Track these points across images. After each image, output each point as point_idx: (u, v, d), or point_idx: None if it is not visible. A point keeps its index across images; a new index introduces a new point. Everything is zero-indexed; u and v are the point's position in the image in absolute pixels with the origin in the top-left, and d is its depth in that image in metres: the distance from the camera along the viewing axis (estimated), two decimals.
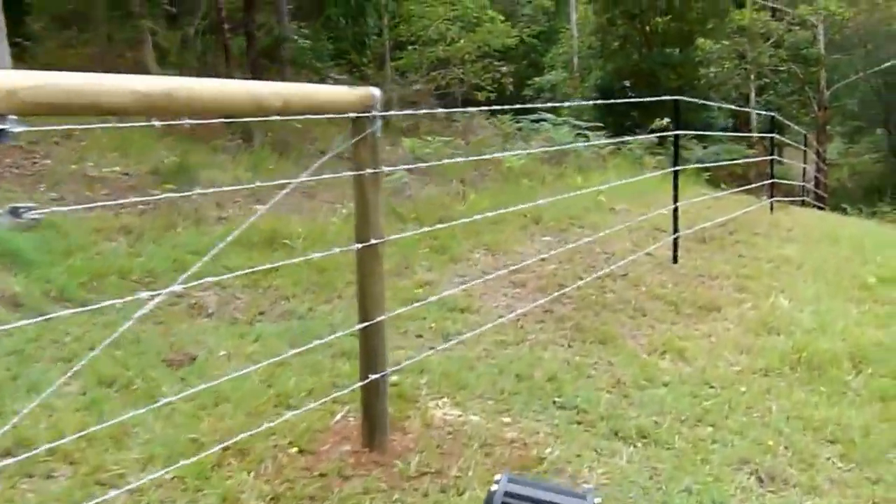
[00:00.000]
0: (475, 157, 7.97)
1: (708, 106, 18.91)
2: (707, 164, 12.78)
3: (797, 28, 17.97)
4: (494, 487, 1.02)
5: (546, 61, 29.49)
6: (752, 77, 19.96)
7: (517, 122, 15.04)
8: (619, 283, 6.07)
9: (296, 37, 15.27)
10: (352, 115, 2.89)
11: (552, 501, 1.02)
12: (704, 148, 16.04)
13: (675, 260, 6.82)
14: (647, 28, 20.14)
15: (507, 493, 1.01)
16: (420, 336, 4.59)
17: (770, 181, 10.50)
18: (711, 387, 4.30)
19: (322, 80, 15.96)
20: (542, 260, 6.25)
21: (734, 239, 8.07)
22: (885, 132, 27.92)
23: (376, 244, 3.00)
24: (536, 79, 28.11)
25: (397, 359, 4.04)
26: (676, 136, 6.93)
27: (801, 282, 6.48)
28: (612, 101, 15.63)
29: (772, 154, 10.58)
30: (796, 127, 16.50)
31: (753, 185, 12.09)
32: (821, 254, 7.70)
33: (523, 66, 30.27)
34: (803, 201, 13.54)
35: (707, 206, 9.77)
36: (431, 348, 4.30)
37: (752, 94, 19.83)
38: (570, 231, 7.68)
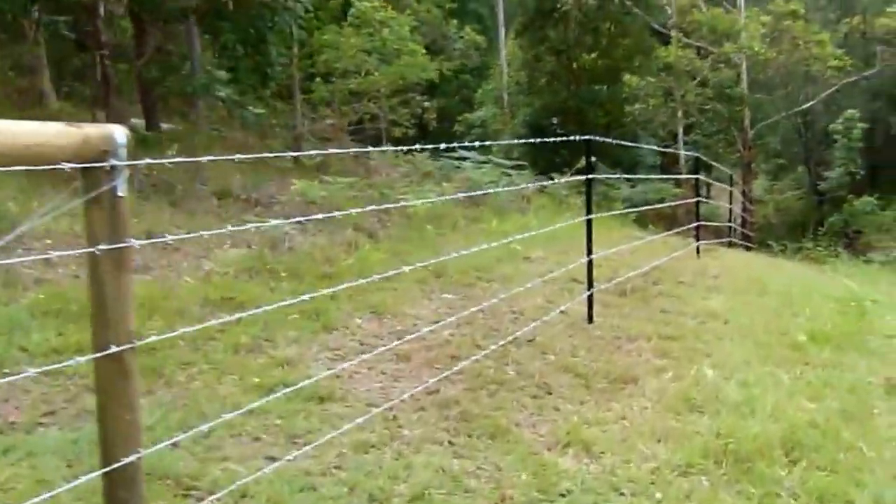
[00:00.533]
0: (376, 206, 7.10)
1: (639, 146, 18.60)
2: (631, 208, 12.25)
3: (722, 66, 17.85)
4: None
5: (477, 97, 29.12)
6: (680, 115, 19.78)
7: (437, 160, 14.29)
8: (523, 351, 5.23)
9: (208, 67, 14.24)
10: (75, 165, 1.96)
11: None
12: (632, 187, 15.57)
13: (590, 319, 6.02)
14: (575, 64, 19.82)
15: None
16: (258, 439, 3.61)
17: (696, 224, 9.91)
18: (621, 493, 3.45)
19: (231, 115, 14.93)
20: (437, 325, 5.36)
21: (657, 290, 7.36)
22: (806, 170, 28.34)
23: (120, 352, 2.05)
24: (467, 115, 27.65)
25: (215, 478, 3.07)
26: (589, 181, 6.17)
27: (728, 342, 5.76)
28: (523, 140, 15.00)
29: (697, 195, 10.03)
30: (721, 167, 16.22)
31: (681, 229, 11.54)
32: (748, 307, 7.04)
33: (455, 102, 29.84)
34: (730, 242, 13.09)
35: (632, 251, 9.10)
36: (271, 458, 3.34)
37: (681, 133, 19.64)
38: (475, 286, 6.84)
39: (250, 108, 14.45)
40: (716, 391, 4.64)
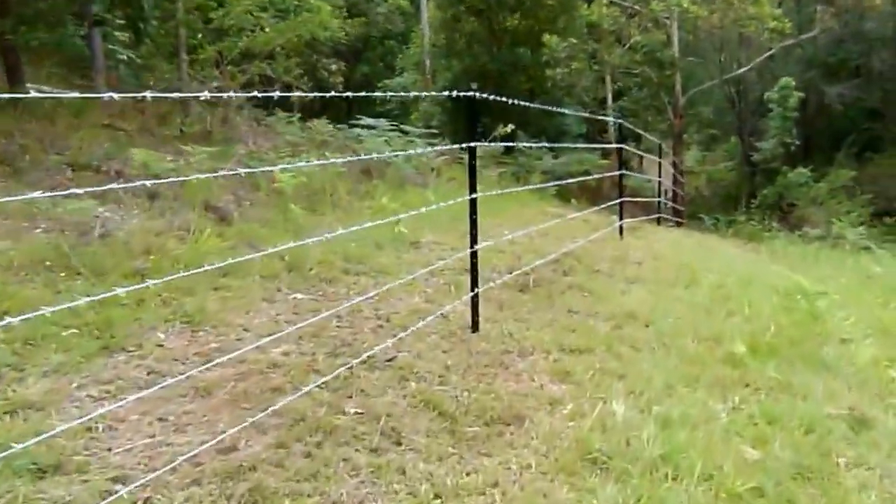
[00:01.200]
0: (213, 174, 5.63)
1: (562, 111, 17.42)
2: (554, 182, 11.06)
3: (650, 26, 16.76)
4: None
5: (398, 63, 27.58)
6: (608, 81, 18.69)
7: (342, 129, 12.82)
8: (377, 378, 3.93)
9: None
10: None
11: None
12: (555, 158, 14.40)
13: (474, 327, 4.75)
14: (495, 25, 18.46)
15: None
16: None
17: (620, 200, 8.77)
18: None
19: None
20: (269, 340, 3.99)
21: (567, 283, 6.16)
22: (739, 140, 27.82)
23: None
24: (387, 81, 26.07)
25: None
26: (472, 150, 4.89)
27: (648, 357, 4.58)
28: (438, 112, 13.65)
29: (620, 168, 8.89)
30: (651, 137, 15.19)
31: (605, 205, 10.42)
32: (675, 303, 5.91)
33: (381, 69, 28.21)
34: (659, 219, 12.07)
35: (544, 232, 7.90)
36: None
37: (609, 100, 18.53)
38: (339, 282, 5.49)
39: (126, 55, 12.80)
40: (627, 436, 3.44)
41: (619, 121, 8.94)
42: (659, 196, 12.49)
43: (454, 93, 5.18)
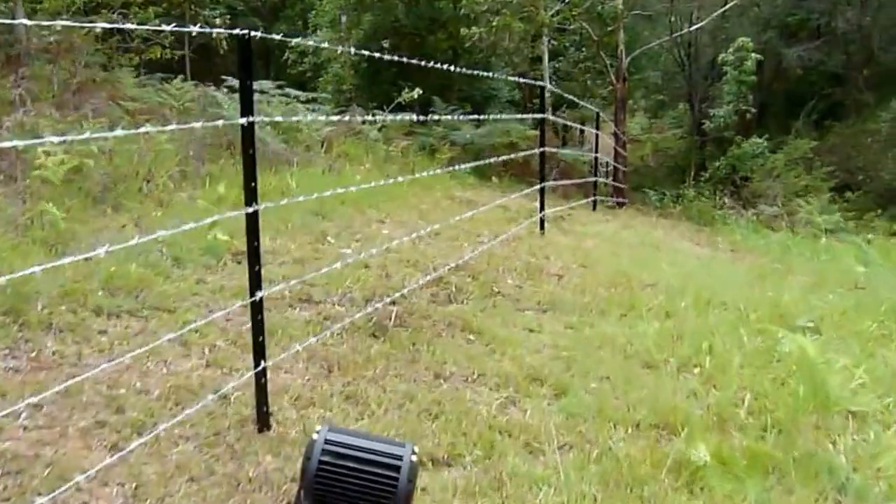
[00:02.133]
0: None
1: (480, 74, 15.61)
2: (472, 157, 9.27)
3: None
4: (315, 437, 0.99)
5: (311, 19, 25.31)
6: (545, 40, 16.86)
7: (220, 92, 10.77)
8: None
9: None
10: None
11: (372, 449, 1.00)
12: (477, 128, 12.59)
13: (262, 423, 2.93)
14: None
15: (327, 442, 0.97)
16: None
17: (541, 185, 7.04)
18: None
19: None
20: None
21: (450, 316, 4.38)
22: (689, 107, 26.49)
23: None
24: (298, 40, 23.80)
25: None
26: (246, 128, 3.06)
27: (553, 478, 2.83)
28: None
29: (542, 143, 7.14)
30: (587, 105, 13.49)
31: (530, 190, 8.68)
32: (603, 350, 4.19)
33: (300, 27, 25.93)
34: (595, 202, 10.42)
35: (444, 229, 6.13)
36: None
37: (546, 61, 16.71)
38: (77, 332, 3.58)
39: None
40: None
41: (542, 84, 7.19)
42: (595, 174, 10.83)
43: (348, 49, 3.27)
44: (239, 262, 4.52)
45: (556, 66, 15.08)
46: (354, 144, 9.47)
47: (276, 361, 3.25)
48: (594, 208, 10.34)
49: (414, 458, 1.06)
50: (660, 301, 5.27)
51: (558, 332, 4.47)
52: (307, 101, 10.62)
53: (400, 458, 1.05)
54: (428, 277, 4.77)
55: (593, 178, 10.62)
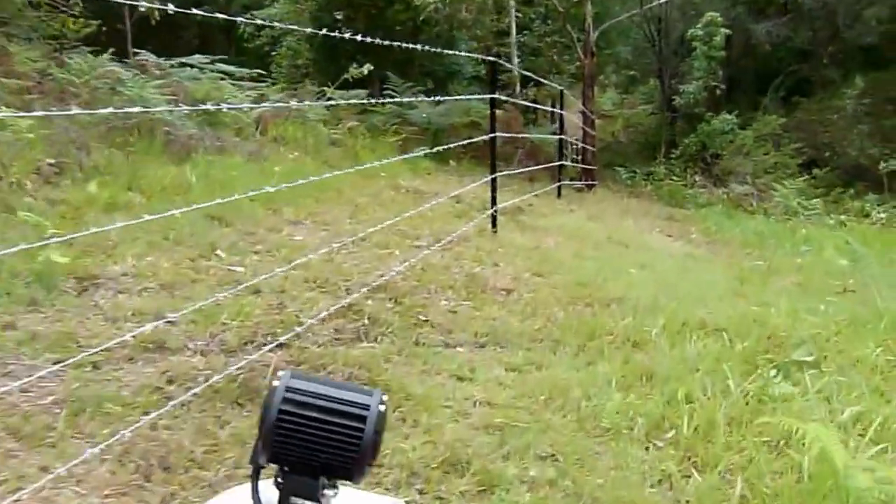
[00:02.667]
0: None
1: (454, 50, 14.30)
2: (429, 140, 8.07)
3: None
4: (276, 384, 0.77)
5: None
6: (509, 11, 15.51)
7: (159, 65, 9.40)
8: None
9: None
10: None
11: (337, 397, 0.78)
12: (436, 105, 11.33)
13: None
14: None
15: (288, 389, 0.78)
16: None
17: (492, 176, 5.88)
18: None
19: None
20: None
21: (352, 363, 3.23)
22: (659, 82, 25.33)
23: None
24: (254, 12, 22.24)
25: None
26: None
27: None
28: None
29: (492, 127, 5.96)
30: (550, 82, 12.26)
31: (502, 172, 7.51)
32: (552, 409, 3.09)
33: None
34: (560, 188, 9.28)
35: (378, 232, 4.95)
36: None
37: (513, 35, 15.35)
38: None
39: None
40: None
41: (494, 59, 5.99)
42: (560, 157, 9.66)
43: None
44: (80, 294, 3.33)
45: (522, 40, 13.81)
46: (293, 126, 8.21)
47: (61, 471, 2.10)
48: (559, 195, 9.21)
49: (382, 407, 0.81)
50: (626, 325, 4.16)
51: (496, 378, 3.34)
52: (242, 78, 9.33)
53: (367, 406, 0.81)
54: (337, 305, 3.61)
55: (559, 162, 9.44)
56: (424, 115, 10.57)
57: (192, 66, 9.55)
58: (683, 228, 8.53)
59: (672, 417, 3.17)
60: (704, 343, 4.04)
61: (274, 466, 0.79)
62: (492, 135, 5.91)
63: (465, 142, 6.54)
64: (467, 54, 9.48)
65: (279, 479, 0.80)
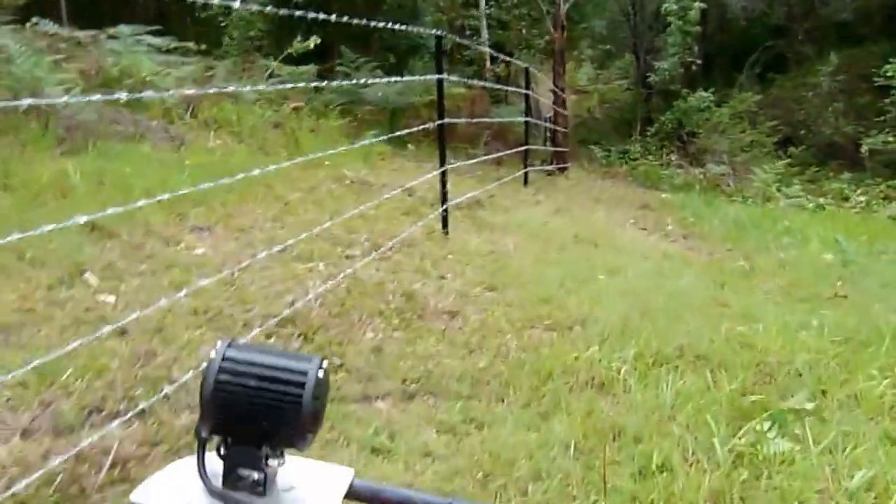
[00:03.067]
0: None
1: (417, 23, 13.38)
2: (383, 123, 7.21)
3: None
4: (213, 354, 0.76)
5: None
6: None
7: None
8: None
9: None
10: None
11: (274, 365, 0.78)
12: (396, 81, 10.42)
13: None
14: None
15: (225, 359, 0.76)
16: None
17: (442, 169, 5.07)
18: None
19: None
20: None
21: None
22: (634, 57, 24.52)
23: None
24: None
25: None
26: None
27: None
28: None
29: (440, 112, 5.12)
30: (516, 61, 11.37)
31: (429, 175, 6.69)
32: (499, 502, 2.30)
33: None
34: (526, 175, 8.48)
35: (320, 232, 4.14)
36: None
37: (482, 5, 14.36)
38: None
39: None
40: None
41: (439, 34, 5.15)
42: (527, 141, 8.83)
43: None
44: None
45: (488, 12, 12.90)
46: (229, 107, 7.30)
47: None
48: (526, 182, 8.40)
49: (321, 373, 0.79)
50: (591, 357, 3.40)
51: (422, 447, 2.57)
52: (171, 51, 8.36)
53: (305, 373, 0.79)
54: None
55: (524, 147, 8.62)
56: (380, 94, 9.66)
57: (116, 37, 8.58)
58: (659, 219, 7.77)
59: (644, 497, 2.45)
60: (683, 381, 3.30)
61: (218, 438, 0.77)
62: (440, 121, 5.08)
63: (416, 129, 5.70)
64: (417, 29, 8.55)
65: (222, 451, 0.78)
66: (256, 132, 7.10)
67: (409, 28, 5.24)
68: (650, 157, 17.83)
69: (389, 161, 8.09)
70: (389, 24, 4.92)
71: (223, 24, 14.64)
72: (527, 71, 8.71)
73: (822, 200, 11.22)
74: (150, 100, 6.83)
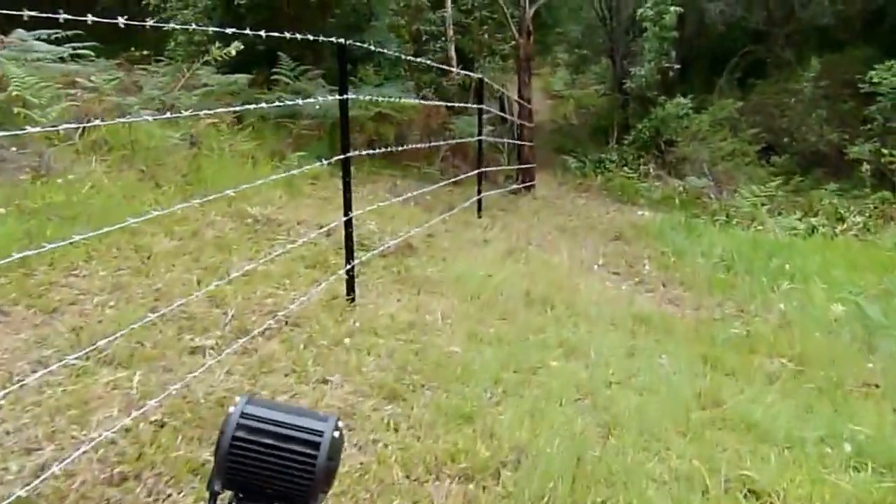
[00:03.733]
0: None
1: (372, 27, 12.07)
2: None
3: None
4: (231, 409, 0.84)
5: None
6: None
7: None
8: None
9: None
10: None
11: (291, 423, 0.84)
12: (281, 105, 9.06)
13: None
14: None
15: (244, 415, 0.84)
16: None
17: (345, 218, 3.75)
18: None
19: None
20: None
21: None
22: (610, 62, 23.37)
23: None
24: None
25: None
26: None
27: None
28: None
29: (344, 144, 3.80)
30: (472, 73, 10.03)
31: (398, 199, 5.41)
32: None
33: None
34: (480, 203, 7.17)
35: (171, 312, 2.80)
36: None
37: (449, 5, 12.98)
38: None
39: None
40: None
41: (340, 41, 3.82)
42: (479, 163, 7.46)
43: None
44: None
45: (446, 15, 11.52)
46: (125, 127, 5.93)
47: None
48: (480, 211, 7.10)
49: (337, 433, 0.86)
50: None
51: None
52: (77, 56, 7.01)
53: (320, 433, 0.84)
54: None
55: (477, 170, 7.26)
56: (318, 107, 8.29)
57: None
58: (634, 257, 6.45)
59: None
60: None
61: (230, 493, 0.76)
62: (344, 155, 3.76)
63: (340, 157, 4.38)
64: (319, 38, 7.25)
65: None
66: (154, 156, 5.74)
67: (317, 38, 3.91)
68: (627, 168, 16.61)
69: (321, 187, 6.75)
70: (294, 35, 3.67)
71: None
72: (481, 82, 7.34)
73: (814, 221, 10.01)
74: (18, 118, 5.49)
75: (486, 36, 11.33)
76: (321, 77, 9.35)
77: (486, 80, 8.34)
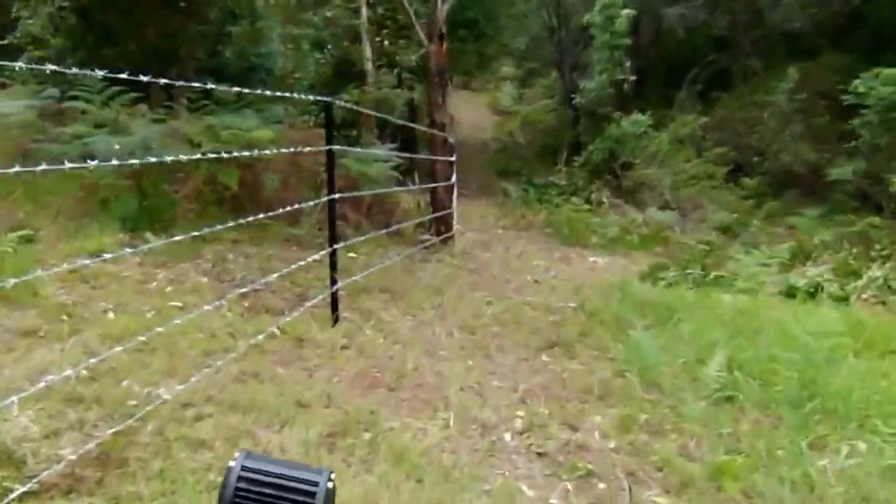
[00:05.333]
0: None
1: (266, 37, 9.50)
2: None
3: None
4: (232, 464, 0.95)
5: None
6: None
7: None
8: None
9: None
10: None
11: (288, 475, 0.97)
12: (156, 123, 6.46)
13: None
14: None
15: (244, 468, 0.95)
16: None
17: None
18: None
19: None
20: None
21: None
22: (559, 75, 21.20)
23: None
24: None
25: None
26: None
27: None
28: None
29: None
30: (320, 98, 7.39)
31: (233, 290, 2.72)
32: None
33: None
34: (335, 298, 4.56)
35: None
36: None
37: (364, 10, 10.40)
38: None
39: None
40: None
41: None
42: (332, 233, 4.74)
43: None
44: None
45: (329, 15, 8.96)
46: None
47: None
48: (335, 313, 4.44)
49: (330, 484, 0.97)
50: None
51: None
52: None
53: (316, 484, 0.96)
54: None
55: (329, 249, 4.55)
56: (117, 146, 5.51)
57: None
58: (577, 396, 3.84)
59: None
60: None
61: None
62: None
63: None
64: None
65: None
66: None
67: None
68: (576, 198, 14.23)
69: (117, 268, 4.10)
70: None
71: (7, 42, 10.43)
72: (328, 107, 4.69)
73: (814, 273, 7.70)
74: None
75: (385, 43, 8.78)
76: (143, 102, 6.68)
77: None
